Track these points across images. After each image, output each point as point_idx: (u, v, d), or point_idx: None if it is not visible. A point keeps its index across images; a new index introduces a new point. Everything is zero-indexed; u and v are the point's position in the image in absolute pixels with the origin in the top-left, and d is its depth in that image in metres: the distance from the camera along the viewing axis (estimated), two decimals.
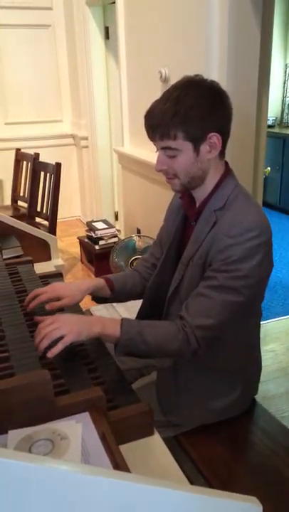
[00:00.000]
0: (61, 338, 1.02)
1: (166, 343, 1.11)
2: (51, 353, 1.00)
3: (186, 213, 1.27)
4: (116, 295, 1.36)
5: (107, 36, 3.94)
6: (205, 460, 1.20)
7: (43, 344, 1.02)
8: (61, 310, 1.24)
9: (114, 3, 3.19)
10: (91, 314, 2.13)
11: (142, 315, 1.40)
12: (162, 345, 1.11)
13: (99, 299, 1.36)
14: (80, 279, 3.59)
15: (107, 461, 0.75)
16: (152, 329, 1.12)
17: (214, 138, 1.11)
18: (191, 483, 0.97)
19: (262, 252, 1.08)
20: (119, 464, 0.74)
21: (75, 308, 1.29)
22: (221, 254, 1.09)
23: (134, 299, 1.44)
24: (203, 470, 1.18)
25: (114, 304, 2.78)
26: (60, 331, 1.02)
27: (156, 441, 0.91)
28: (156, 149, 1.17)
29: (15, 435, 0.79)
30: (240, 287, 1.09)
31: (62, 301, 1.21)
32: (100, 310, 2.62)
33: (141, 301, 1.41)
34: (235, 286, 1.08)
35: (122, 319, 1.11)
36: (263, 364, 1.39)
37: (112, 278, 1.36)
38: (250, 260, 1.07)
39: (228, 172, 1.19)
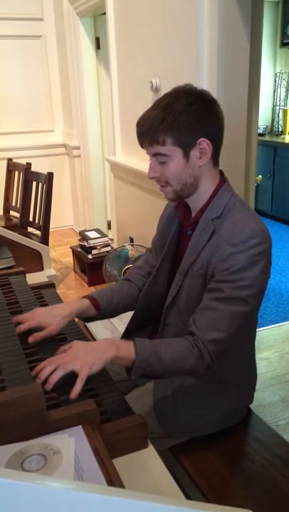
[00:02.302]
0: (74, 371, 0.96)
1: (182, 360, 1.07)
2: (74, 394, 0.93)
3: (182, 223, 1.26)
4: (103, 312, 1.30)
5: (98, 46, 3.96)
6: (200, 471, 1.19)
7: (57, 375, 0.95)
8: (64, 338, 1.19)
9: (104, 13, 3.22)
10: (84, 325, 2.12)
11: (134, 324, 1.39)
12: (178, 363, 1.07)
13: (85, 319, 1.31)
14: (73, 289, 3.57)
15: (101, 476, 0.74)
16: (166, 347, 1.07)
17: (204, 144, 1.11)
18: (187, 495, 0.96)
19: (264, 259, 1.08)
20: (113, 479, 0.73)
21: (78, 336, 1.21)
22: (224, 263, 1.09)
23: (122, 312, 1.38)
24: (198, 482, 1.16)
25: None
26: (73, 365, 0.96)
27: (150, 454, 0.90)
28: (149, 158, 1.17)
29: (6, 450, 0.77)
30: (246, 296, 1.08)
31: (47, 330, 1.14)
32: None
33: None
34: (241, 296, 1.07)
35: (135, 340, 1.06)
36: (257, 372, 1.39)
37: (96, 296, 1.30)
38: (253, 268, 1.07)
39: (223, 181, 1.19)
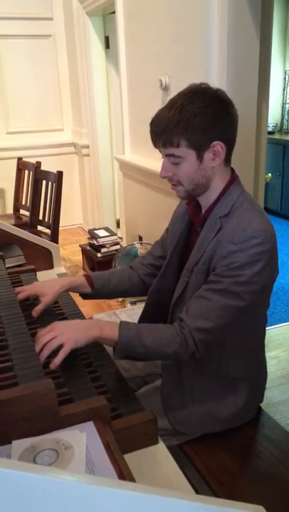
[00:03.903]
0: (61, 346, 1.03)
1: (164, 346, 1.11)
2: (54, 365, 1.01)
3: (192, 219, 1.27)
4: (97, 291, 1.38)
5: (107, 46, 3.97)
6: (210, 469, 1.19)
7: (43, 355, 1.03)
8: (63, 317, 1.28)
9: (114, 12, 3.22)
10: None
11: (144, 319, 1.40)
12: (160, 348, 1.11)
13: (83, 295, 1.40)
14: None
15: (112, 471, 0.74)
16: (150, 332, 1.12)
17: (218, 146, 1.11)
18: (197, 492, 0.96)
19: (265, 259, 1.08)
20: (124, 474, 0.74)
21: (77, 316, 1.30)
22: (224, 260, 1.10)
23: (120, 296, 1.50)
24: (208, 479, 1.17)
25: (117, 312, 2.78)
26: (58, 340, 1.04)
27: (160, 450, 0.91)
28: (161, 156, 1.17)
29: (19, 445, 0.78)
30: (241, 292, 1.09)
31: (43, 301, 1.26)
32: (103, 317, 2.61)
33: (142, 307, 1.41)
34: (236, 291, 1.09)
35: (121, 322, 1.11)
36: (267, 370, 1.38)
37: (92, 275, 1.39)
38: (253, 267, 1.08)
39: (234, 179, 1.19)
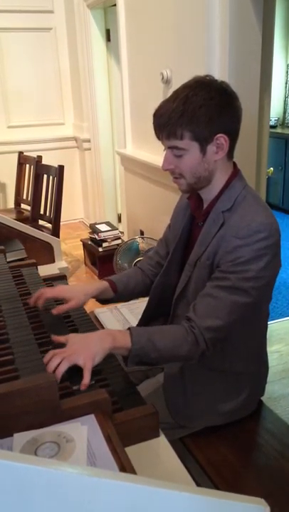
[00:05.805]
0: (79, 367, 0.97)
1: (177, 348, 1.08)
2: (84, 386, 0.94)
3: (194, 214, 1.26)
4: (118, 296, 1.36)
5: (108, 39, 3.95)
6: (211, 462, 1.20)
7: (63, 367, 0.95)
8: (67, 315, 1.26)
9: (115, 5, 3.20)
10: (95, 317, 2.14)
11: (147, 316, 1.40)
12: (173, 350, 1.09)
13: (102, 300, 1.37)
14: (83, 282, 3.59)
15: (113, 464, 0.75)
16: (161, 335, 1.10)
17: (221, 139, 1.10)
18: (198, 485, 0.96)
19: (270, 253, 1.08)
20: (125, 466, 0.74)
21: (79, 311, 1.29)
22: (230, 255, 1.09)
23: (136, 298, 1.46)
24: (209, 472, 1.17)
25: (118, 306, 2.78)
26: (77, 358, 0.97)
27: (162, 444, 0.91)
28: (163, 149, 1.16)
29: (20, 438, 0.79)
30: (249, 288, 1.08)
31: (69, 304, 1.21)
32: (104, 312, 2.61)
33: (145, 302, 1.41)
34: (244, 287, 1.08)
35: (130, 329, 1.08)
36: (269, 365, 1.39)
37: (114, 280, 1.36)
38: (259, 261, 1.07)
39: (236, 173, 1.19)
